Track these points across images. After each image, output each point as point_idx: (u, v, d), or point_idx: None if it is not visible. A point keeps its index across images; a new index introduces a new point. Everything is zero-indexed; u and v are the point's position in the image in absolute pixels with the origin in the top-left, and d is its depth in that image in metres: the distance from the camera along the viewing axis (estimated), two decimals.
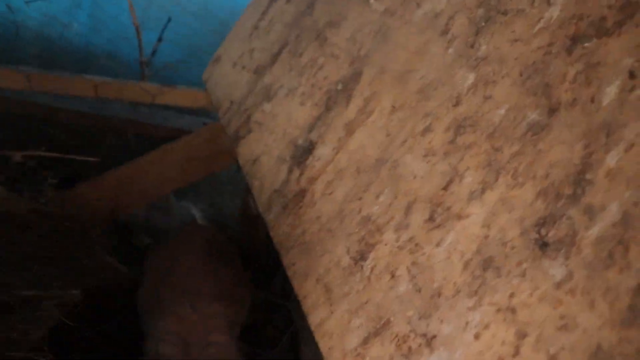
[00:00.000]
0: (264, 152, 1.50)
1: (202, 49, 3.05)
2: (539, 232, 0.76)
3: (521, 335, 0.72)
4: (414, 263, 0.94)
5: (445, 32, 1.12)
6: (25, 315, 1.62)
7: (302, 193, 1.28)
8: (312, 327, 1.09)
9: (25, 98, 2.32)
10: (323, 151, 1.28)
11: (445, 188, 0.95)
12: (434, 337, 0.83)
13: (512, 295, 0.75)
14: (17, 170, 2.37)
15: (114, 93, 2.11)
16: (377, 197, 1.08)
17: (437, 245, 0.91)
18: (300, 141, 1.38)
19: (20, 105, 2.32)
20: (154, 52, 2.48)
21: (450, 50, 1.08)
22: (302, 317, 2.07)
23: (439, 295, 0.86)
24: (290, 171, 1.36)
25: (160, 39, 2.64)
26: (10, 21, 2.94)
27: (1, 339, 1.53)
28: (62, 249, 1.97)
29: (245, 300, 1.94)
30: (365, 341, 0.96)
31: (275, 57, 1.72)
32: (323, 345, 1.05)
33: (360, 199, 1.12)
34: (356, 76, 1.30)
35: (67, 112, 2.31)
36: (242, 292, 1.94)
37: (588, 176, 0.73)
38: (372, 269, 1.02)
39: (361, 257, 1.05)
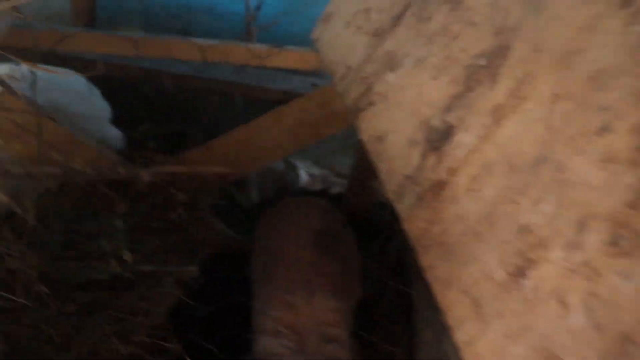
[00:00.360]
0: (391, 130, 1.38)
1: (304, 2, 2.91)
2: None
3: None
4: (591, 293, 0.80)
5: (626, 2, 0.92)
6: (146, 292, 1.65)
7: (440, 185, 1.16)
8: (459, 344, 1.00)
9: (130, 62, 2.31)
10: (465, 138, 1.14)
11: (632, 206, 0.79)
12: None
13: None
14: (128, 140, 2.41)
15: (221, 56, 2.05)
16: (538, 203, 0.94)
17: (625, 278, 0.77)
18: (435, 122, 1.24)
19: (126, 70, 2.31)
20: (258, 7, 2.37)
21: (636, 28, 0.89)
22: (423, 302, 2.00)
23: (631, 342, 0.73)
24: (424, 156, 1.23)
25: None
26: None
27: (125, 318, 1.57)
28: (175, 219, 1.98)
29: (358, 292, 1.88)
30: None
31: (396, 20, 1.56)
32: None
33: (515, 202, 0.98)
34: (503, 51, 1.13)
35: (171, 75, 2.28)
36: (355, 284, 1.88)
37: None
38: (534, 290, 0.89)
39: (520, 273, 0.93)
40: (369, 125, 1.47)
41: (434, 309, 1.88)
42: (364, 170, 2.41)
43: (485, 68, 1.16)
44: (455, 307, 1.02)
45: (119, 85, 2.51)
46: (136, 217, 1.85)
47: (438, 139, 1.21)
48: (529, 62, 1.05)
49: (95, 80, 2.20)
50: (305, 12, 3.02)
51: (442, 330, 1.82)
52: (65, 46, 2.02)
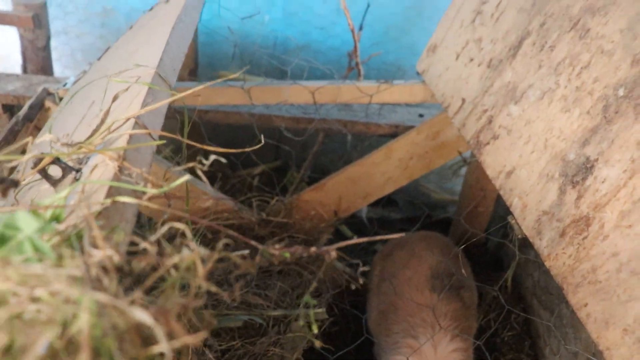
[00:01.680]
0: (520, 165, 1.37)
1: (399, 30, 2.94)
2: None
3: None
4: None
5: None
6: (278, 336, 1.70)
7: (585, 220, 1.14)
8: None
9: (241, 109, 2.42)
10: (609, 172, 1.11)
11: None
12: None
13: None
14: (242, 182, 2.51)
15: (331, 97, 2.11)
16: None
17: None
18: (571, 156, 1.22)
19: (238, 116, 2.42)
20: (357, 45, 2.42)
21: None
22: (545, 330, 1.94)
23: None
24: (562, 191, 1.22)
25: (361, 28, 2.58)
26: (210, 29, 3.08)
27: None
28: (297, 261, 2.04)
29: (475, 325, 1.84)
30: None
31: (514, 50, 1.55)
32: None
33: None
34: None
35: (282, 118, 2.37)
36: (474, 318, 1.84)
37: None
38: None
39: None
40: (494, 160, 1.46)
41: (558, 338, 1.83)
42: (473, 197, 2.39)
43: (625, 99, 1.13)
44: (617, 348, 1.00)
45: (232, 131, 2.64)
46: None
47: (577, 173, 1.19)
48: None
49: (211, 127, 2.32)
50: (400, 41, 3.06)
51: None
52: (183, 102, 2.14)
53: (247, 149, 1.06)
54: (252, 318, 1.74)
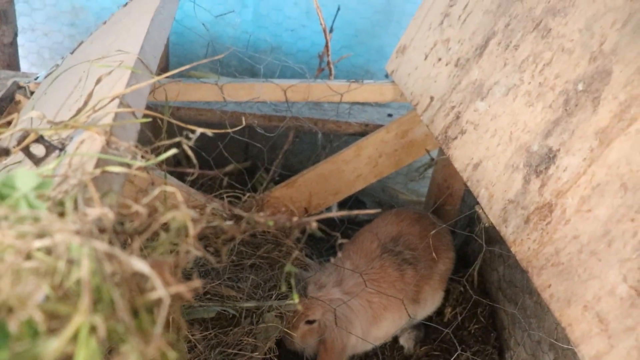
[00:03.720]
0: (487, 157, 1.43)
1: (368, 33, 3.01)
2: None
3: None
4: None
5: None
6: (251, 327, 1.72)
7: (548, 207, 1.20)
8: (586, 358, 1.03)
9: (213, 107, 2.44)
10: (570, 161, 1.18)
11: None
12: None
13: None
14: (212, 182, 2.52)
15: (303, 95, 2.14)
16: None
17: None
18: (535, 147, 1.28)
19: (210, 114, 2.44)
20: (328, 45, 2.48)
21: None
22: (510, 322, 2.01)
23: None
24: (526, 180, 1.28)
25: (331, 30, 2.63)
26: (183, 26, 3.09)
27: (235, 353, 1.64)
28: (265, 256, 2.06)
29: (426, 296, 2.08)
30: None
31: (481, 49, 1.62)
32: None
33: (632, 220, 1.01)
34: (602, 75, 1.18)
35: (254, 116, 2.40)
36: (425, 287, 2.05)
37: None
38: None
39: None
40: (462, 153, 1.52)
41: (524, 328, 1.90)
42: (440, 195, 2.45)
43: (584, 93, 1.20)
44: (578, 323, 1.06)
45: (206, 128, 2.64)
46: (232, 256, 1.95)
47: (540, 163, 1.26)
48: (634, 85, 1.09)
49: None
50: (369, 44, 3.12)
51: (537, 348, 1.83)
52: (154, 97, 2.15)
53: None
54: (225, 309, 1.76)
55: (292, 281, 1.75)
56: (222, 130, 0.85)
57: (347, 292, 1.89)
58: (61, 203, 0.61)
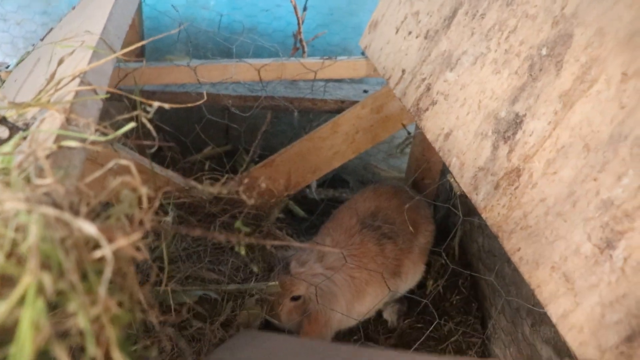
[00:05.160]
0: (457, 126, 1.44)
1: (343, 12, 3.00)
2: None
3: None
4: None
5: None
6: (234, 313, 1.73)
7: (516, 172, 1.22)
8: (554, 319, 1.05)
9: (188, 89, 2.42)
10: (535, 125, 1.19)
11: None
12: None
13: None
14: (192, 165, 2.52)
15: (276, 74, 2.14)
16: (619, 179, 0.99)
17: None
18: (502, 114, 1.30)
19: (185, 97, 2.43)
20: (300, 23, 2.46)
21: None
22: (491, 291, 2.04)
23: None
24: (495, 147, 1.29)
25: (305, 8, 2.62)
26: (157, 11, 3.06)
27: (219, 339, 1.65)
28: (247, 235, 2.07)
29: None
30: (630, 339, 0.90)
31: (449, 20, 1.62)
32: (571, 339, 1.00)
33: (595, 179, 1.03)
34: (564, 39, 1.19)
35: (229, 97, 2.39)
36: (403, 262, 2.07)
37: None
38: (625, 260, 0.94)
39: (608, 245, 0.98)
40: (434, 124, 1.53)
41: (503, 297, 1.93)
42: (419, 168, 2.47)
43: (547, 57, 1.21)
44: (546, 284, 1.08)
45: (181, 112, 2.64)
46: (212, 238, 1.95)
47: (507, 128, 1.27)
48: (594, 47, 1.11)
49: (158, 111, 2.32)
50: (345, 22, 3.11)
51: (516, 315, 1.87)
52: (127, 82, 2.14)
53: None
54: (206, 293, 1.77)
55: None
56: (179, 105, 0.85)
57: (329, 267, 1.91)
58: (8, 173, 0.61)
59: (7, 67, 2.09)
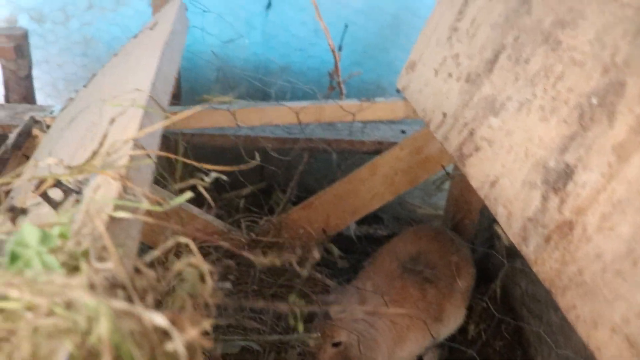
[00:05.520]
0: (503, 174, 1.41)
1: (377, 49, 3.01)
2: None
3: None
4: None
5: None
6: None
7: (568, 225, 1.18)
8: None
9: (227, 132, 2.44)
10: (588, 177, 1.16)
11: None
12: None
13: None
14: (229, 205, 2.52)
15: (315, 117, 2.15)
16: None
17: None
18: (551, 163, 1.26)
19: (224, 139, 2.45)
20: (338, 64, 2.48)
21: None
22: (536, 338, 1.98)
23: None
24: (545, 198, 1.26)
25: (340, 48, 2.64)
26: (192, 53, 3.11)
27: None
28: (286, 284, 2.05)
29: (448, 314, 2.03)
30: None
31: (491, 64, 1.61)
32: None
33: None
34: (616, 88, 1.16)
35: (267, 139, 2.40)
36: (445, 305, 2.02)
37: None
38: None
39: None
40: (478, 171, 1.51)
41: (549, 345, 1.86)
42: (458, 209, 2.43)
43: (599, 107, 1.18)
44: (607, 347, 1.03)
45: (217, 154, 2.66)
46: (252, 284, 1.94)
47: (558, 179, 1.23)
48: None
49: (197, 151, 2.35)
50: (378, 59, 3.12)
51: None
52: (171, 126, 2.17)
53: (237, 167, 1.09)
54: (248, 344, 1.75)
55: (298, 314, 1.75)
56: (235, 167, 0.85)
57: (370, 312, 1.87)
58: (74, 257, 0.61)
59: (51, 113, 2.15)
